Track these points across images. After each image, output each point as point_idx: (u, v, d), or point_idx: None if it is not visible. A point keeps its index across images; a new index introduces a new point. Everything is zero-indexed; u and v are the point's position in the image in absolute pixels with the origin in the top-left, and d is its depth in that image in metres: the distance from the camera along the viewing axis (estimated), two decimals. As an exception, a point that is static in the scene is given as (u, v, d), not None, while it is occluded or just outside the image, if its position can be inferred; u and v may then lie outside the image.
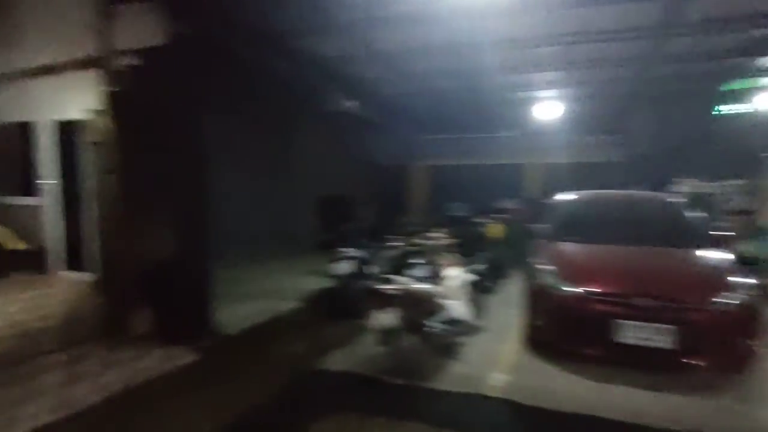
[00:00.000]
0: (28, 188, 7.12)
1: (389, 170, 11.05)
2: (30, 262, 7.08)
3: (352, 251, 5.85)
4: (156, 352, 4.54)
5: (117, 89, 5.45)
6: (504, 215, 8.50)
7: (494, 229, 7.75)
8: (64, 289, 6.30)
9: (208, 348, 4.73)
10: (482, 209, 8.42)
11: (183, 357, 4.47)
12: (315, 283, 7.40)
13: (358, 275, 5.78)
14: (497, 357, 4.75)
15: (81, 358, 4.29)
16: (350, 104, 8.19)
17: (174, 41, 5.07)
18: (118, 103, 4.96)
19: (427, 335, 4.63)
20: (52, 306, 5.60)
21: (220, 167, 6.42)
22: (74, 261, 6.67)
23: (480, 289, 6.21)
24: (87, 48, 6.15)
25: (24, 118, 7.01)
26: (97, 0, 5.81)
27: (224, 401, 3.78)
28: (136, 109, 4.90)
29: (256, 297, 6.58)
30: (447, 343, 4.82)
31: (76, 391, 3.71)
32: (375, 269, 5.91)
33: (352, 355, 4.75)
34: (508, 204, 9.28)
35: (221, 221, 6.34)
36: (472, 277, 5.63)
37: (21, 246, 6.71)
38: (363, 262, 5.96)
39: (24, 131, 7.09)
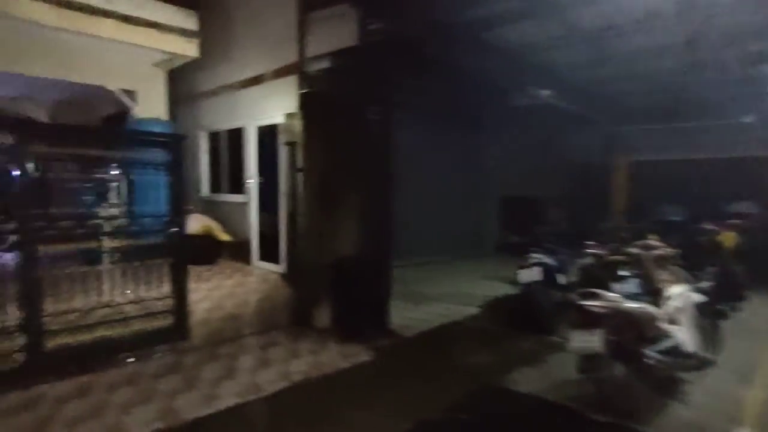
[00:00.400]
0: (238, 187, 8.04)
1: (585, 167, 9.77)
2: (234, 252, 7.97)
3: (542, 257, 5.10)
4: (333, 347, 4.49)
5: (308, 91, 5.72)
6: (737, 221, 6.68)
7: (725, 238, 6.11)
8: (259, 278, 6.88)
9: (383, 349, 4.53)
10: (706, 213, 6.74)
11: (358, 355, 4.33)
12: (497, 289, 6.80)
13: (549, 285, 5.02)
14: (737, 404, 3.56)
15: (268, 345, 4.46)
16: (542, 95, 7.36)
17: (364, 41, 5.06)
18: (310, 105, 5.13)
19: (641, 366, 3.66)
20: (248, 293, 6.11)
21: (404, 165, 6.31)
22: (270, 253, 7.27)
23: (709, 313, 4.85)
24: (286, 57, 6.64)
25: (234, 125, 7.94)
26: (295, 9, 6.21)
27: (398, 408, 3.46)
28: (327, 110, 5.01)
29: (434, 299, 6.26)
30: (667, 378, 3.78)
31: (264, 376, 3.81)
32: (569, 280, 5.06)
33: (543, 378, 4.03)
34: (743, 207, 7.30)
35: (402, 219, 6.20)
36: (699, 297, 4.39)
37: (226, 238, 7.58)
38: (555, 270, 5.16)
39: (234, 137, 8.05)
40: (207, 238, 7.38)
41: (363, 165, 4.96)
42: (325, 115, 4.97)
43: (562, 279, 5.27)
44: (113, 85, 7.49)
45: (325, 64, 6.05)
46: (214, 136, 8.63)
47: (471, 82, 7.64)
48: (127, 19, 6.44)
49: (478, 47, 6.48)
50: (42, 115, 9.77)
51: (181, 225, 4.41)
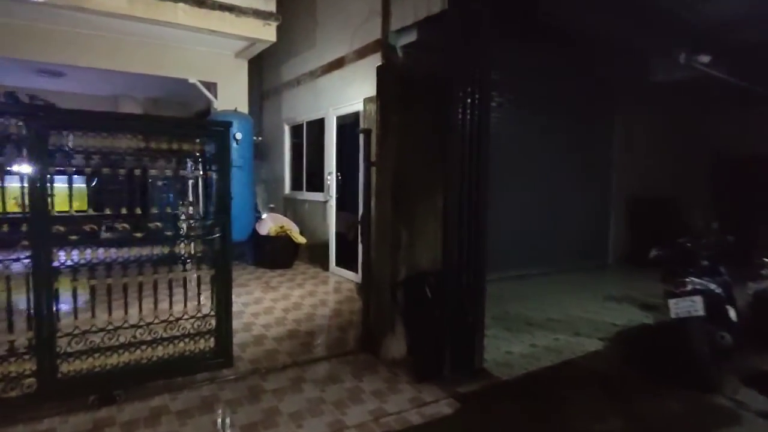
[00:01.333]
0: (319, 184, 7.37)
1: (752, 161, 7.65)
2: (313, 255, 7.30)
3: (702, 282, 3.59)
4: (405, 388, 3.47)
5: (385, 65, 4.76)
6: None
7: None
8: (334, 288, 6.09)
9: (472, 396, 3.41)
10: None
11: (437, 404, 3.27)
12: (627, 317, 5.29)
13: (714, 321, 3.52)
14: None
15: (325, 381, 3.57)
16: (696, 63, 5.64)
17: (456, 5, 3.97)
18: (386, 83, 4.15)
19: None
20: (317, 306, 5.33)
21: (501, 158, 5.11)
22: (350, 259, 6.46)
23: None
24: (370, 34, 5.79)
25: (315, 116, 7.26)
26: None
27: None
28: (407, 89, 3.99)
29: (539, 326, 4.96)
30: None
31: (308, 428, 2.91)
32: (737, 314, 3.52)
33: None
34: None
35: (496, 221, 5.00)
36: None
37: (302, 240, 6.92)
38: (723, 301, 3.64)
39: (316, 129, 7.37)
40: (282, 239, 6.77)
41: (450, 157, 3.88)
42: (405, 95, 3.95)
43: (732, 314, 3.71)
44: (194, 77, 7.21)
45: (409, 38, 5.07)
46: (296, 130, 8.06)
47: (594, 53, 6.14)
48: (200, 3, 6.00)
49: (606, 3, 5.03)
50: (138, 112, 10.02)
51: (226, 228, 3.68)
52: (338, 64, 6.56)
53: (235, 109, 7.02)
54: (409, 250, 4.00)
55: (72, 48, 6.57)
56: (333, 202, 6.72)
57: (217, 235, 3.63)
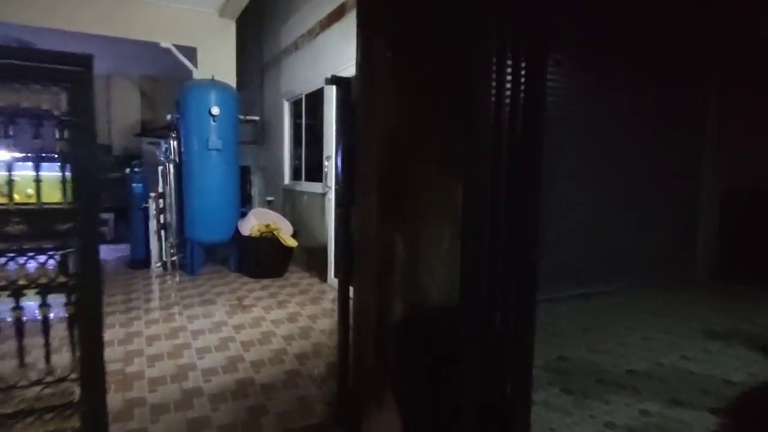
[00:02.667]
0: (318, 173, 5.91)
1: None
2: (312, 261, 5.86)
3: None
4: None
5: (371, 33, 3.20)
6: None
7: None
8: (327, 308, 4.61)
9: None
10: None
11: None
12: (738, 366, 3.54)
13: None
14: None
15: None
16: None
17: None
18: (372, 53, 2.57)
19: None
20: (293, 338, 3.87)
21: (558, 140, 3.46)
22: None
23: None
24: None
25: (315, 87, 5.78)
26: None
27: None
28: (413, 7, 2.41)
29: (609, 384, 3.29)
30: None
31: None
32: None
33: None
34: None
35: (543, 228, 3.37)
36: None
37: (292, 243, 5.46)
38: None
39: (316, 103, 5.90)
40: (267, 242, 5.36)
41: (479, 126, 2.27)
42: (406, 14, 2.37)
43: None
44: (168, 41, 5.88)
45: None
46: (297, 107, 6.61)
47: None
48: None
49: None
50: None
51: (90, 235, 2.24)
52: (338, 14, 5.04)
53: (212, 77, 5.65)
54: (407, 271, 2.44)
55: (33, 8, 5.42)
56: (332, 195, 5.24)
57: (72, 249, 2.19)
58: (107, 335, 3.82)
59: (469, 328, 2.32)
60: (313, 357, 3.54)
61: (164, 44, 5.83)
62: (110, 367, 3.28)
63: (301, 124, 6.44)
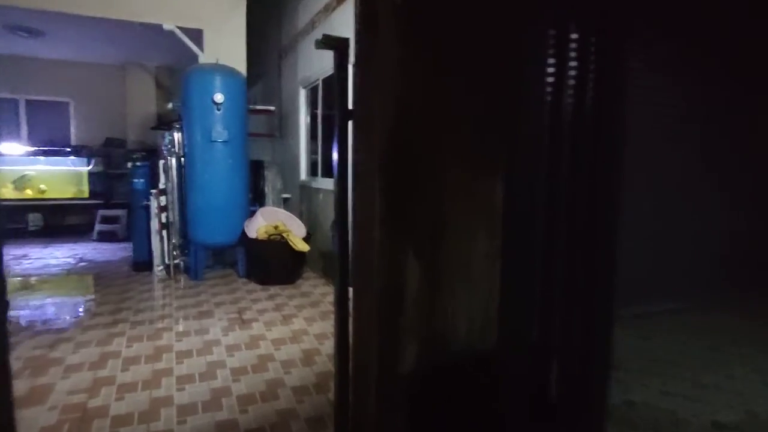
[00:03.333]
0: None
1: None
2: (330, 266, 5.24)
3: None
4: None
5: None
6: None
7: None
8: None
9: None
10: None
11: None
12: None
13: None
14: None
15: None
16: None
17: None
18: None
19: None
20: (293, 364, 3.24)
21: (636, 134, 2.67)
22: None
23: None
24: None
25: (331, 70, 5.14)
26: None
27: None
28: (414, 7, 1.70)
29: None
30: None
31: None
32: None
33: None
34: None
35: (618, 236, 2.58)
36: None
37: (303, 247, 4.84)
38: None
39: (332, 87, 5.26)
40: (275, 245, 4.76)
41: (529, 95, 1.56)
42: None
43: None
44: (172, 22, 5.35)
45: None
46: (313, 94, 5.99)
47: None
48: None
49: None
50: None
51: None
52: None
53: (216, 61, 5.08)
54: (422, 302, 1.75)
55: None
56: (349, 193, 4.58)
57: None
58: (80, 356, 3.30)
59: (515, 380, 1.65)
60: (315, 392, 2.90)
61: (167, 26, 5.30)
62: (71, 399, 2.74)
63: (318, 113, 5.82)
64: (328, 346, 3.55)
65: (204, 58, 5.51)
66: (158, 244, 5.26)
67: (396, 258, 1.70)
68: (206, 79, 4.85)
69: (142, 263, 5.47)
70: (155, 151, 7.30)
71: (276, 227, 4.77)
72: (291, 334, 3.73)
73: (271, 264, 4.81)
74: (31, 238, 7.73)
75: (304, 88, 6.08)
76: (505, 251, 1.69)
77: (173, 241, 5.23)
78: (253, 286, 4.95)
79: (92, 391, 2.83)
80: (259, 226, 4.76)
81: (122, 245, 6.96)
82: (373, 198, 1.69)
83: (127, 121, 8.86)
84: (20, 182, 8.10)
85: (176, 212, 5.19)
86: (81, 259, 6.21)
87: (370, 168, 1.71)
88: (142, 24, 5.29)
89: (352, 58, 1.84)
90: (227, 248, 5.26)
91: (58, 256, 6.35)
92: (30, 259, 6.16)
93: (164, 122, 8.15)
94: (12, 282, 5.04)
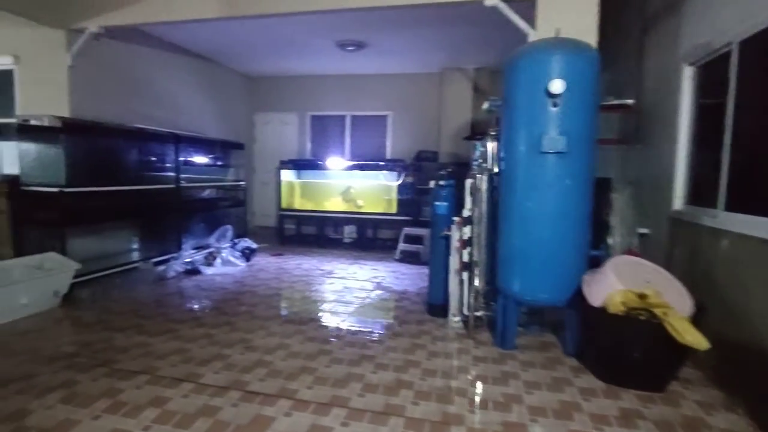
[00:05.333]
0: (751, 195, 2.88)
1: None
2: (730, 368, 2.88)
3: None
4: None
5: None
6: None
7: None
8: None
9: None
10: None
11: None
12: None
13: None
14: None
15: None
16: None
17: None
18: None
19: None
20: None
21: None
22: None
23: None
24: None
25: (762, 24, 2.75)
26: None
27: None
28: None
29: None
30: None
31: None
32: None
33: None
34: None
35: None
36: None
37: (692, 338, 2.60)
38: None
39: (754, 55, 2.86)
40: (639, 326, 2.76)
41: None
42: None
43: None
44: (498, -7, 4.00)
45: None
46: (710, 72, 3.66)
47: None
48: None
49: None
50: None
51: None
52: None
53: (556, 34, 3.40)
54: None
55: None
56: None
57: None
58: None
59: None
60: None
61: (489, 1, 3.98)
62: None
63: (717, 102, 3.44)
64: None
65: (534, 35, 3.97)
66: (456, 288, 4.01)
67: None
68: (538, 60, 3.26)
69: (436, 307, 4.35)
70: (467, 164, 6.24)
71: (643, 297, 2.78)
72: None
73: (630, 355, 2.85)
74: (344, 250, 7.89)
75: (691, 65, 3.79)
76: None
77: (476, 285, 3.87)
78: (590, 380, 3.07)
79: None
80: (612, 289, 2.87)
81: (423, 270, 6.16)
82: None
83: (441, 131, 8.27)
84: (346, 195, 8.49)
85: (483, 249, 3.81)
86: (378, 285, 5.62)
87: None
88: (460, 2, 4.14)
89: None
90: (559, 311, 3.55)
91: (358, 278, 5.96)
92: (332, 278, 5.94)
93: (478, 131, 7.11)
94: (304, 307, 4.68)
